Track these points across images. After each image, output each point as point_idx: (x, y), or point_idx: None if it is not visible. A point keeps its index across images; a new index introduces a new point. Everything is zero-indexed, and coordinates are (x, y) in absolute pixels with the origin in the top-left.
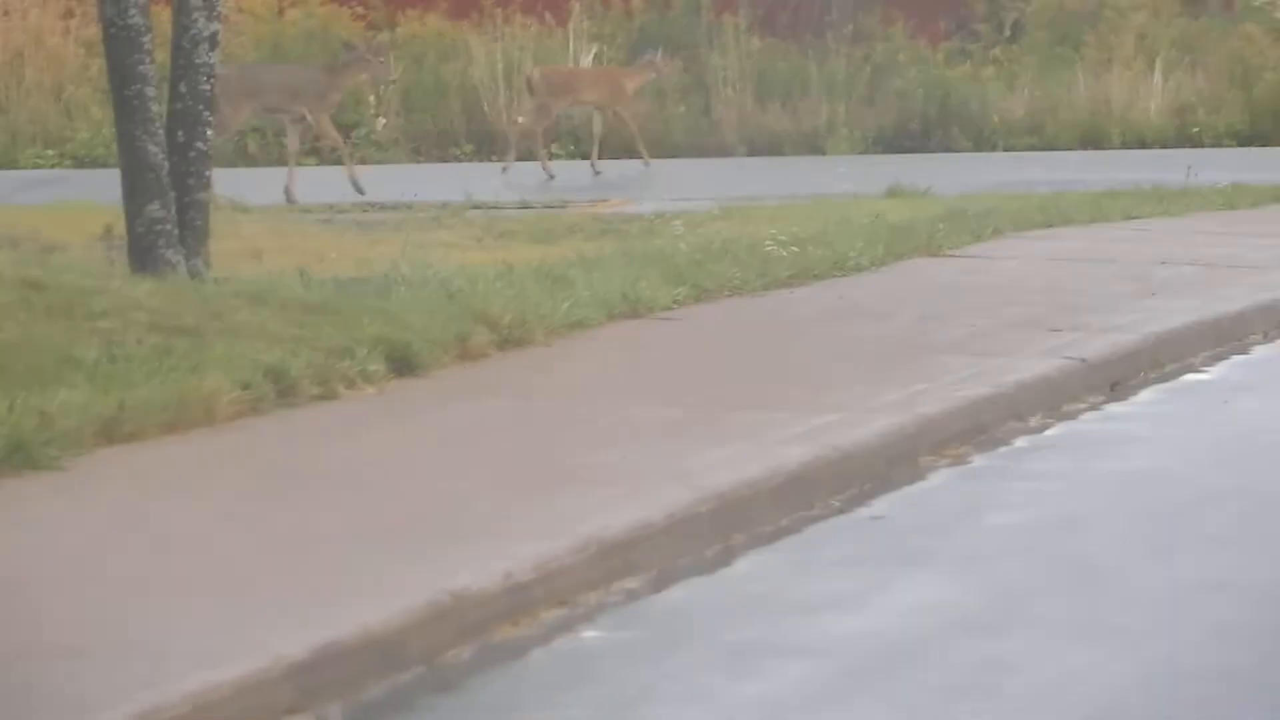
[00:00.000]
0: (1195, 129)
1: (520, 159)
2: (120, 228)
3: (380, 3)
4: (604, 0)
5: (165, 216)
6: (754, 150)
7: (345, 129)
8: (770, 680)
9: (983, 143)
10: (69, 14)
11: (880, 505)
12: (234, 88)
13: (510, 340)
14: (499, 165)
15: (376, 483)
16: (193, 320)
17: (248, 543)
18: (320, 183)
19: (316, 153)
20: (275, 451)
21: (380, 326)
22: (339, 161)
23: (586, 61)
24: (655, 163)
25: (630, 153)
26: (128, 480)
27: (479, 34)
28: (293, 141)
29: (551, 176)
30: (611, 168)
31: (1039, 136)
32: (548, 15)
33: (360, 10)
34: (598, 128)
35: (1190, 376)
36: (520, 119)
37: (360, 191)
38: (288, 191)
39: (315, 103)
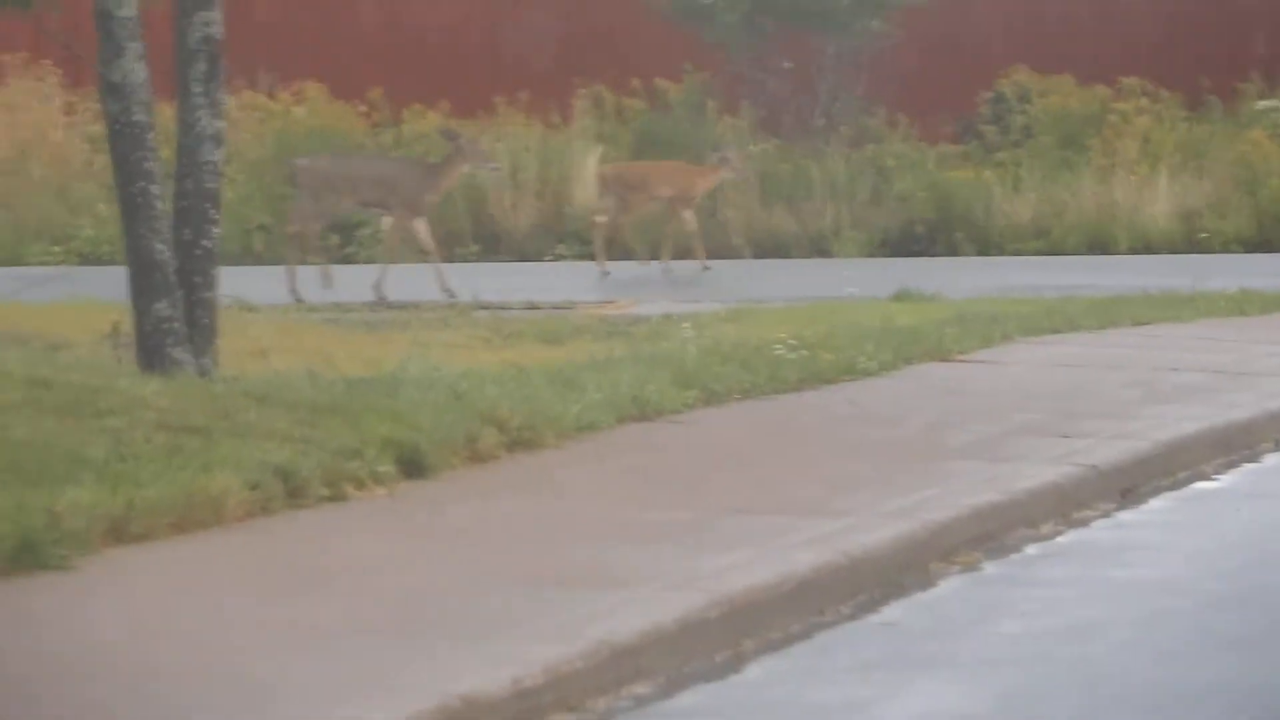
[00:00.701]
0: (1203, 234)
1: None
2: (128, 326)
3: (385, 101)
4: (606, 101)
5: (173, 315)
6: (760, 252)
7: (350, 228)
8: None
9: (988, 246)
10: (73, 110)
11: (891, 612)
12: (325, 178)
13: (520, 442)
14: (596, 268)
15: (385, 583)
16: (201, 419)
17: (256, 641)
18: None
19: (322, 251)
20: (284, 551)
21: (389, 427)
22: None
23: (590, 162)
24: (656, 264)
25: (630, 254)
26: (136, 580)
27: (483, 133)
28: (390, 237)
29: (607, 273)
30: (618, 269)
31: (1045, 240)
32: (552, 115)
33: (365, 108)
34: (686, 226)
35: (1201, 484)
36: (599, 218)
37: (451, 295)
38: (377, 287)
39: (411, 199)
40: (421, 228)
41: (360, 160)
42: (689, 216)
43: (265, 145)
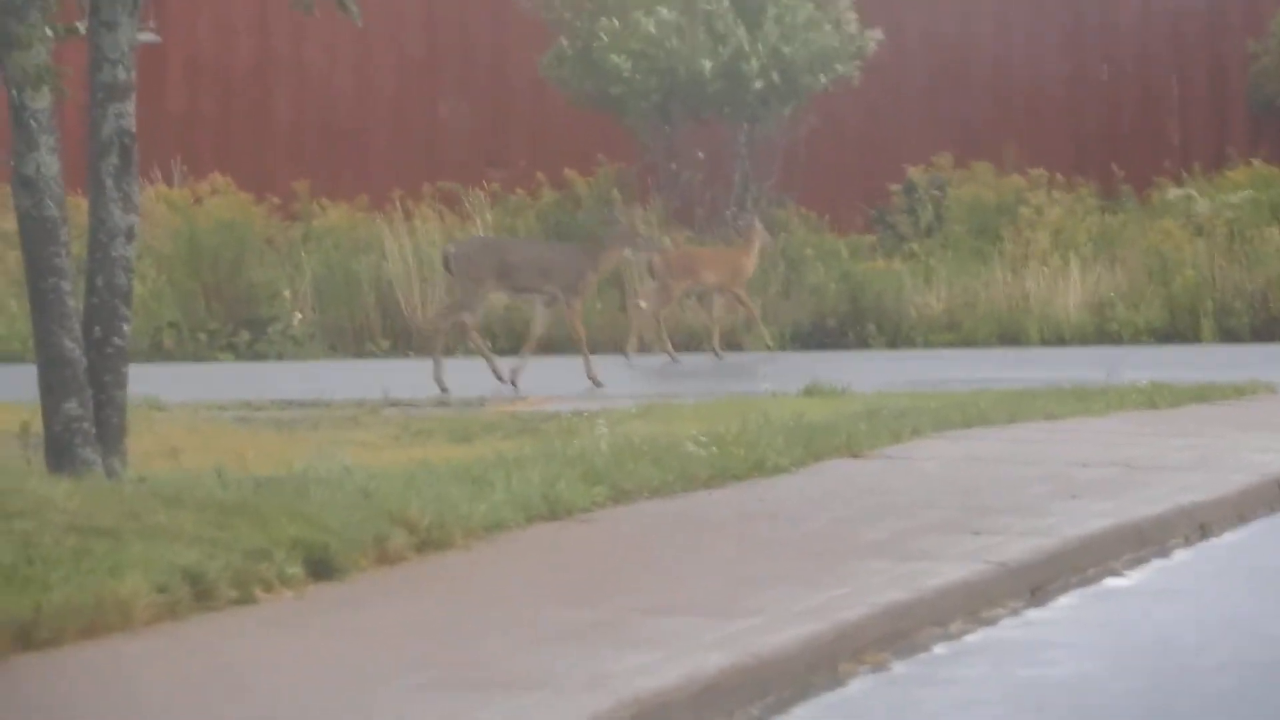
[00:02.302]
0: (1114, 325)
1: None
2: (37, 425)
3: (297, 193)
4: (512, 193)
5: (82, 414)
6: (673, 346)
7: (261, 323)
8: None
9: (900, 339)
10: None
11: (800, 713)
12: (479, 264)
13: (429, 543)
14: (626, 354)
15: (292, 687)
16: (110, 521)
17: None
18: (239, 379)
19: (232, 348)
20: (190, 657)
21: (298, 528)
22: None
23: None
24: (574, 360)
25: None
26: (41, 689)
27: (391, 227)
28: (537, 325)
29: (676, 360)
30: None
31: (957, 333)
32: (460, 206)
33: (277, 201)
34: (717, 311)
35: (1111, 581)
36: (642, 303)
37: (598, 385)
38: (514, 375)
39: (571, 284)
40: (578, 313)
41: (516, 244)
42: (745, 297)
43: (177, 240)
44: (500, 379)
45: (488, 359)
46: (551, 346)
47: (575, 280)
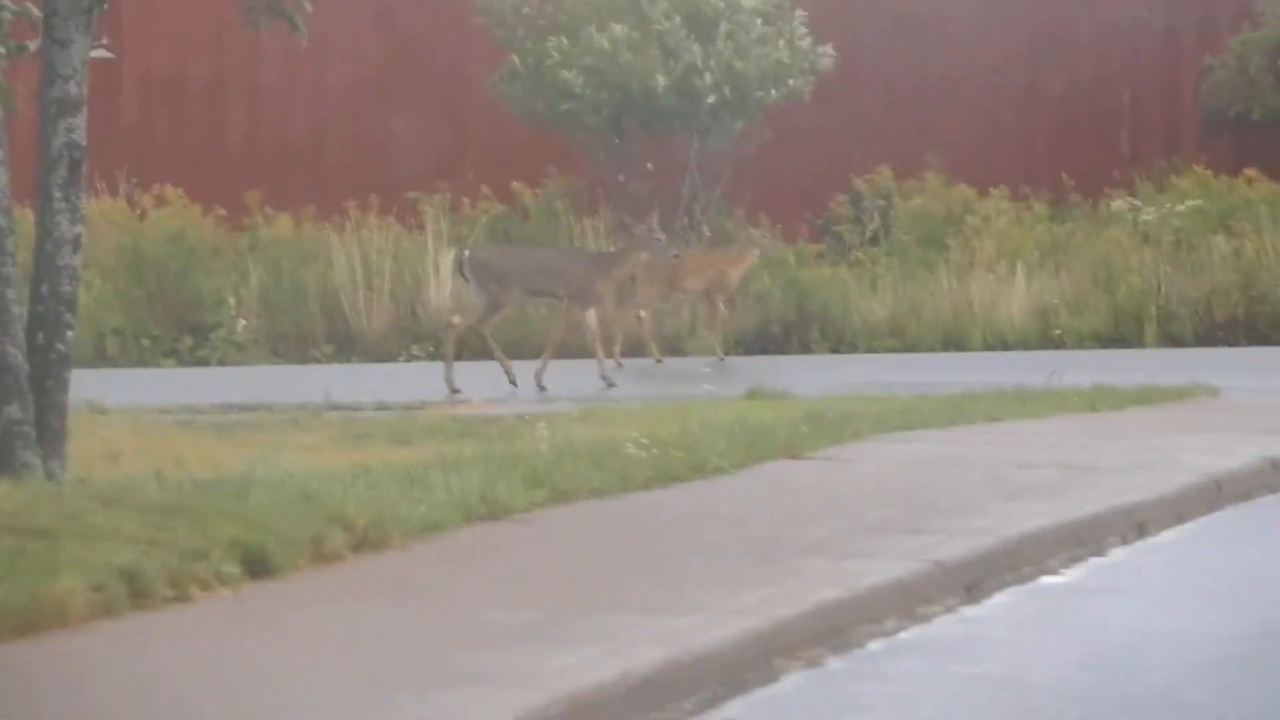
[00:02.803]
0: (1058, 331)
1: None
2: None
3: (245, 204)
4: (457, 204)
5: (24, 418)
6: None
7: (205, 330)
8: None
9: (844, 345)
10: None
11: (733, 708)
12: (494, 268)
13: (366, 543)
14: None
15: (225, 684)
16: (48, 522)
17: None
18: (181, 384)
19: (174, 354)
20: (124, 655)
21: (236, 528)
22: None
23: (445, 263)
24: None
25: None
26: None
27: (339, 236)
28: (556, 329)
29: (660, 360)
30: (473, 369)
31: (901, 339)
32: (407, 217)
33: (223, 212)
34: (717, 315)
35: (1047, 579)
36: (642, 313)
37: (611, 384)
38: (538, 377)
39: (584, 289)
40: (591, 318)
41: (531, 250)
42: (723, 305)
43: (121, 249)
44: (512, 382)
45: (500, 360)
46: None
47: (586, 286)
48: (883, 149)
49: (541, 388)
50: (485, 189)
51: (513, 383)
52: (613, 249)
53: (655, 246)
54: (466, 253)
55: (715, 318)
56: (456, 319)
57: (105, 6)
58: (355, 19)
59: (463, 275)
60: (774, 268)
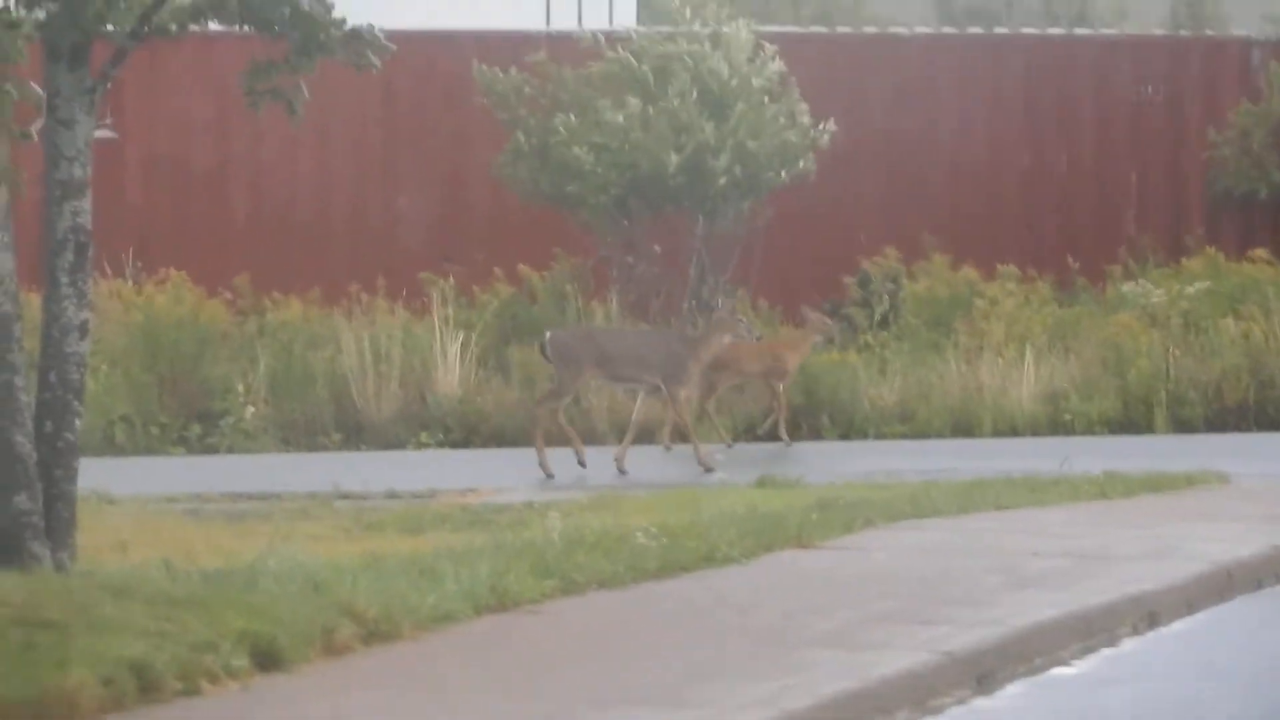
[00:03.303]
0: (1068, 416)
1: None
2: None
3: (249, 288)
4: (464, 288)
5: (32, 509)
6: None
7: (213, 417)
8: None
9: (853, 430)
10: None
11: None
12: (577, 351)
13: (376, 634)
14: (665, 445)
15: None
16: (57, 614)
17: None
18: (190, 472)
19: (183, 441)
20: None
21: (245, 620)
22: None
23: (454, 350)
24: (528, 452)
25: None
26: None
27: (347, 321)
28: (637, 413)
29: (730, 445)
30: (482, 456)
31: (910, 424)
32: (414, 300)
33: (229, 296)
34: (775, 399)
35: (1058, 670)
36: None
37: (710, 470)
38: (618, 461)
39: (674, 373)
40: (684, 403)
41: (613, 334)
42: (781, 392)
43: (131, 335)
44: (582, 464)
45: (574, 444)
46: (504, 439)
47: (676, 370)
48: (886, 230)
49: (622, 471)
50: (498, 270)
51: (581, 464)
52: (695, 332)
53: (739, 328)
54: (548, 334)
55: (774, 404)
56: (545, 401)
57: (108, 85)
58: (357, 100)
59: (545, 356)
60: None
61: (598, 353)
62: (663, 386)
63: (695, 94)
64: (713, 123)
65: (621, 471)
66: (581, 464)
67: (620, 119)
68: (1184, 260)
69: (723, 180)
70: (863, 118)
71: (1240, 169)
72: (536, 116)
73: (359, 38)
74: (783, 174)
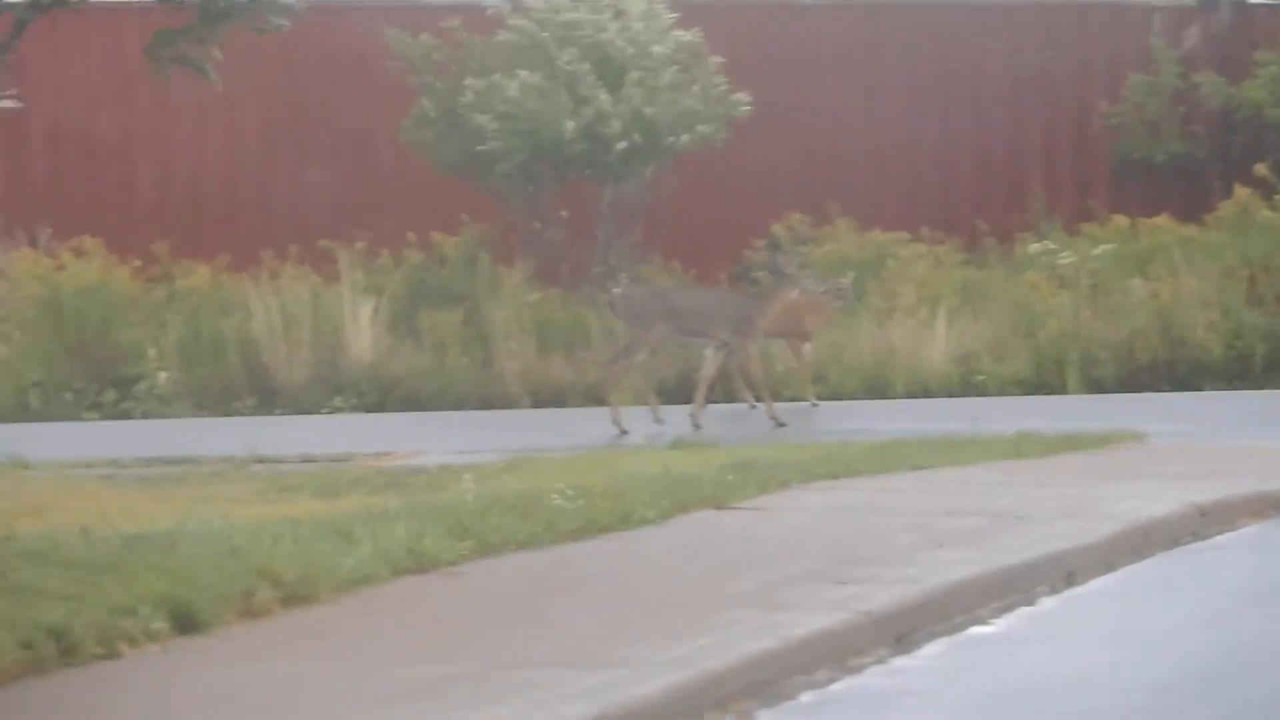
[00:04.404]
0: (980, 377)
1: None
2: None
3: (161, 255)
4: (374, 254)
5: None
6: (538, 402)
7: (127, 383)
8: None
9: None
10: None
11: None
12: (646, 309)
13: (294, 597)
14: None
15: None
16: None
17: None
18: (105, 437)
19: (98, 407)
20: (54, 714)
21: (163, 584)
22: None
23: (364, 315)
24: (440, 415)
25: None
26: None
27: (257, 287)
28: (707, 368)
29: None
30: (396, 419)
31: (823, 385)
32: (323, 267)
33: (139, 264)
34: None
35: (976, 629)
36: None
37: (780, 424)
38: (693, 418)
39: (739, 328)
40: (754, 357)
41: (680, 290)
42: (800, 349)
43: (40, 302)
44: (659, 421)
45: (650, 402)
46: (417, 403)
47: (743, 325)
48: (799, 195)
49: (697, 426)
50: (411, 235)
51: (659, 420)
52: (762, 287)
53: (806, 282)
54: (616, 291)
55: (801, 364)
56: (607, 358)
57: (10, 56)
58: (263, 68)
59: (614, 314)
60: None
61: (667, 309)
62: (730, 342)
63: (590, 63)
64: (608, 90)
65: (697, 426)
66: (658, 420)
67: (514, 88)
68: (1090, 224)
69: (621, 145)
70: (771, 85)
71: (1137, 137)
72: (445, 83)
73: (261, 3)
74: (684, 139)
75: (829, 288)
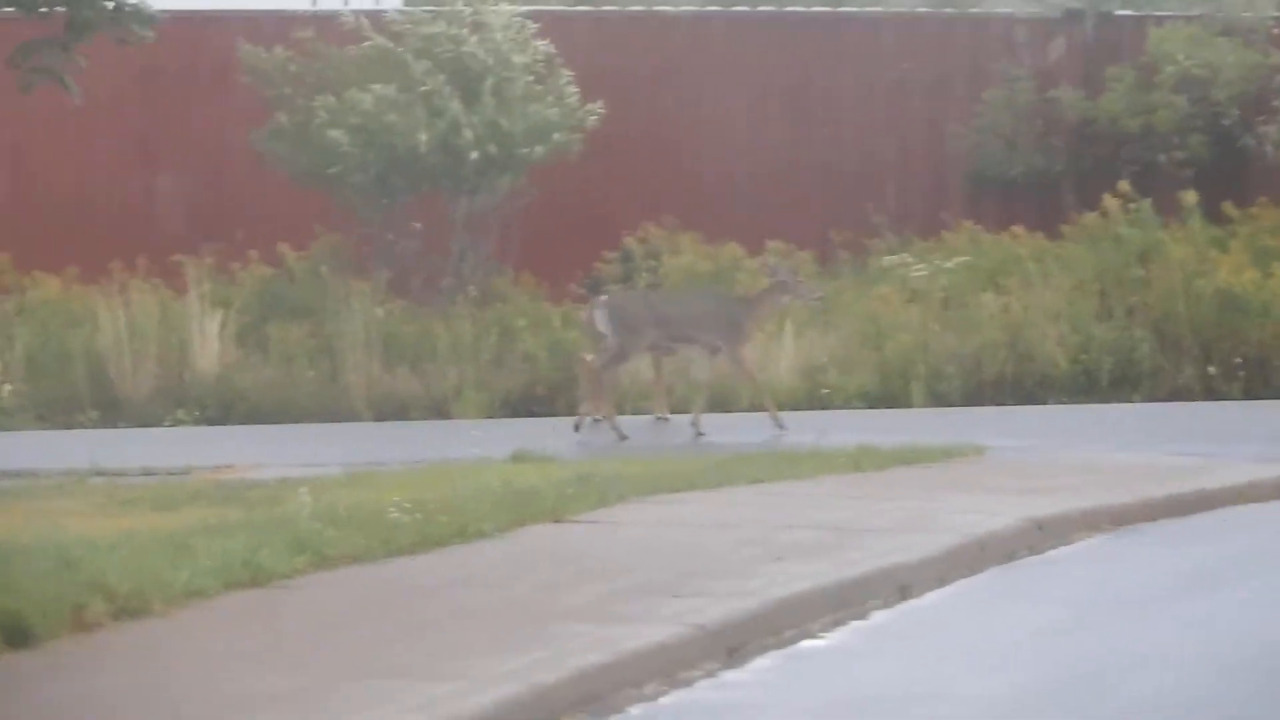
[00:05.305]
0: (826, 390)
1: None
2: None
3: (9, 265)
4: (225, 266)
5: None
6: (381, 415)
7: None
8: None
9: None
10: None
11: None
12: (635, 315)
13: (127, 610)
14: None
15: None
16: None
17: None
18: None
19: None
20: None
21: None
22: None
23: (210, 326)
24: (284, 429)
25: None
26: None
27: (104, 299)
28: (701, 371)
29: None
30: (239, 433)
31: (669, 398)
32: (173, 280)
33: None
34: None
35: (809, 643)
36: (589, 357)
37: (781, 427)
38: (694, 424)
39: (732, 333)
40: (747, 362)
41: (670, 296)
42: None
43: None
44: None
45: (609, 411)
46: (261, 416)
47: (733, 330)
48: (652, 207)
49: (700, 434)
50: (254, 251)
51: (622, 437)
52: (753, 292)
53: (798, 289)
54: (603, 299)
55: (658, 378)
56: (589, 357)
57: None
58: (121, 80)
59: (594, 322)
60: (538, 328)
61: (656, 315)
62: (722, 346)
63: (445, 75)
64: (462, 102)
65: (699, 434)
66: (619, 435)
67: (369, 101)
68: (944, 234)
69: (475, 157)
70: (629, 97)
71: (994, 152)
72: (301, 95)
73: (124, 13)
74: (538, 150)
75: (816, 296)
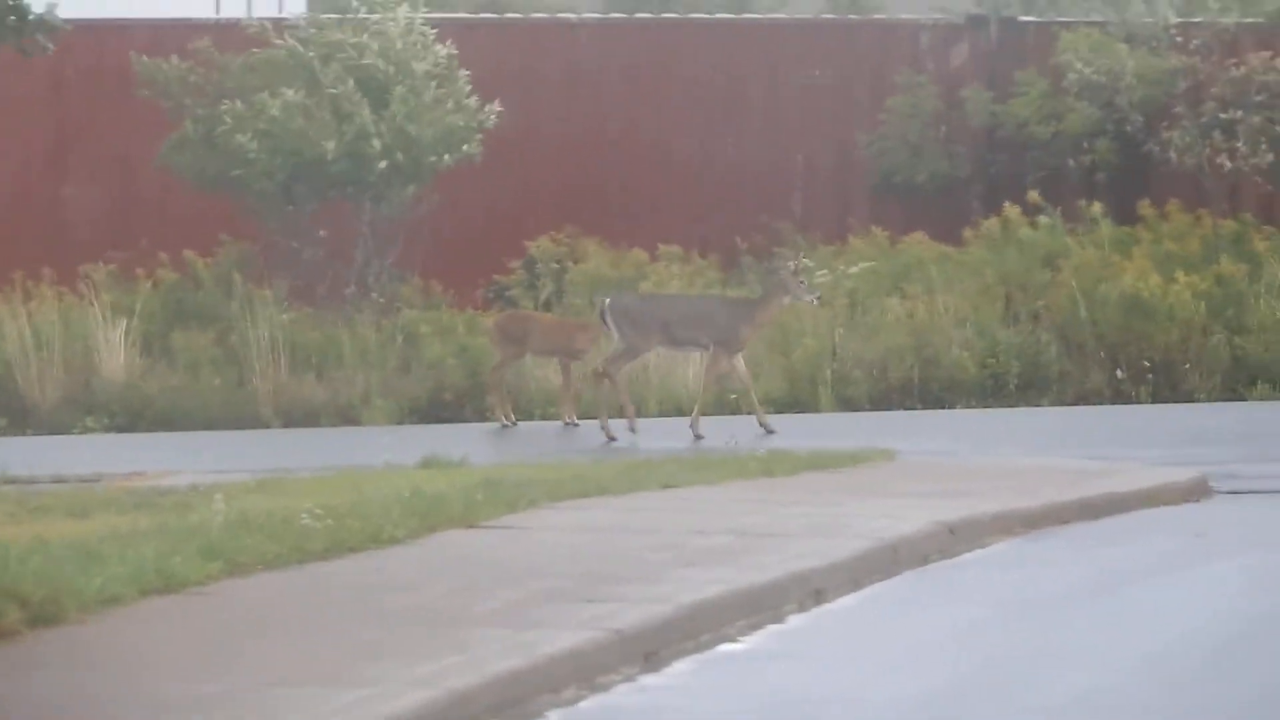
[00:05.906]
0: (734, 395)
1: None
2: None
3: None
4: (130, 274)
5: None
6: (289, 422)
7: None
8: None
9: (518, 411)
10: None
11: None
12: (638, 316)
13: (41, 618)
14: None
15: None
16: None
17: None
18: None
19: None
20: None
21: None
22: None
23: (116, 334)
24: (193, 435)
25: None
26: None
27: (9, 307)
28: (708, 375)
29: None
30: (148, 440)
31: (576, 404)
32: (80, 287)
33: None
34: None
35: (725, 646)
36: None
37: (770, 431)
38: (693, 427)
39: (729, 336)
40: (740, 364)
41: (672, 298)
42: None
43: None
44: (632, 429)
45: (626, 407)
46: (170, 423)
47: (730, 333)
48: (556, 212)
49: (698, 436)
50: (163, 256)
51: (632, 430)
52: (754, 294)
53: (798, 290)
54: (608, 300)
55: (566, 383)
56: (599, 366)
57: None
58: (25, 89)
59: (604, 322)
60: (444, 335)
61: (658, 317)
62: (722, 349)
63: (353, 81)
64: (370, 109)
65: (698, 437)
66: (632, 429)
67: (277, 107)
68: (850, 239)
69: (383, 165)
70: (533, 103)
71: (899, 158)
72: (203, 105)
73: (29, 24)
74: (446, 158)
75: (814, 296)
